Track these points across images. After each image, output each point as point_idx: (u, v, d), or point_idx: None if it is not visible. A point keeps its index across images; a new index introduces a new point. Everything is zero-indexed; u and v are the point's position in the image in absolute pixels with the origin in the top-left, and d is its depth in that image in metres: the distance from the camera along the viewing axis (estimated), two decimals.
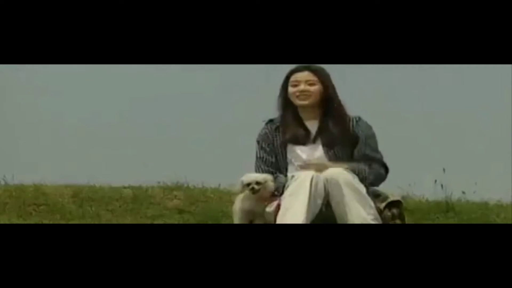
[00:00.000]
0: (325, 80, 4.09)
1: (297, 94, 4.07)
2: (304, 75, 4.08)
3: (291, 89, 4.09)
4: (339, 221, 3.80)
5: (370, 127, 4.11)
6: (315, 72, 4.08)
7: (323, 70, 4.12)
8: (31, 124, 8.78)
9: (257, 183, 3.93)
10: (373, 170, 4.00)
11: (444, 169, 6.03)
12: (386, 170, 4.07)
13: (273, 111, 4.17)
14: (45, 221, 5.35)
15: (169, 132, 8.59)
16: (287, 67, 4.15)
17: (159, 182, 6.30)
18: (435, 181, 6.01)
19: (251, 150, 4.18)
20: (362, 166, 3.97)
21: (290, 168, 4.07)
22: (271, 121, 4.17)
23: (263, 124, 4.18)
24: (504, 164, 6.59)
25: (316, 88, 4.07)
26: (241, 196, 4.02)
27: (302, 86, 4.07)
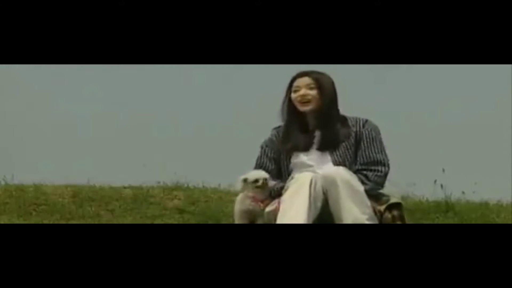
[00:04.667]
0: (322, 86, 4.11)
1: (299, 99, 4.10)
2: (304, 80, 4.12)
3: (293, 95, 4.14)
4: (336, 220, 3.79)
5: (376, 129, 4.12)
6: (314, 77, 4.12)
7: (323, 76, 4.15)
8: (31, 124, 8.79)
9: (265, 179, 3.95)
10: (372, 180, 3.99)
11: (443, 169, 6.04)
12: (387, 171, 4.06)
13: (272, 111, 4.18)
14: (45, 221, 5.34)
15: (169, 132, 8.60)
16: (288, 68, 4.16)
17: (159, 182, 6.31)
18: (435, 181, 6.02)
19: (251, 150, 4.19)
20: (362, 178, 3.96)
21: (294, 173, 4.06)
22: (279, 127, 4.20)
23: (272, 130, 4.21)
24: (504, 164, 6.60)
25: (315, 92, 4.10)
26: (239, 197, 4.03)
27: (302, 91, 4.10)
